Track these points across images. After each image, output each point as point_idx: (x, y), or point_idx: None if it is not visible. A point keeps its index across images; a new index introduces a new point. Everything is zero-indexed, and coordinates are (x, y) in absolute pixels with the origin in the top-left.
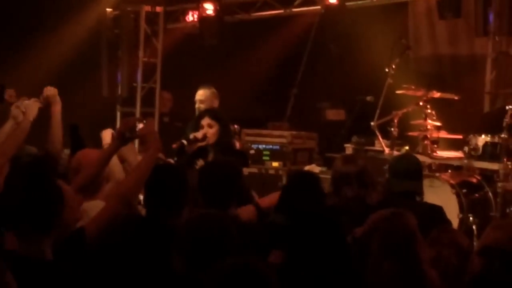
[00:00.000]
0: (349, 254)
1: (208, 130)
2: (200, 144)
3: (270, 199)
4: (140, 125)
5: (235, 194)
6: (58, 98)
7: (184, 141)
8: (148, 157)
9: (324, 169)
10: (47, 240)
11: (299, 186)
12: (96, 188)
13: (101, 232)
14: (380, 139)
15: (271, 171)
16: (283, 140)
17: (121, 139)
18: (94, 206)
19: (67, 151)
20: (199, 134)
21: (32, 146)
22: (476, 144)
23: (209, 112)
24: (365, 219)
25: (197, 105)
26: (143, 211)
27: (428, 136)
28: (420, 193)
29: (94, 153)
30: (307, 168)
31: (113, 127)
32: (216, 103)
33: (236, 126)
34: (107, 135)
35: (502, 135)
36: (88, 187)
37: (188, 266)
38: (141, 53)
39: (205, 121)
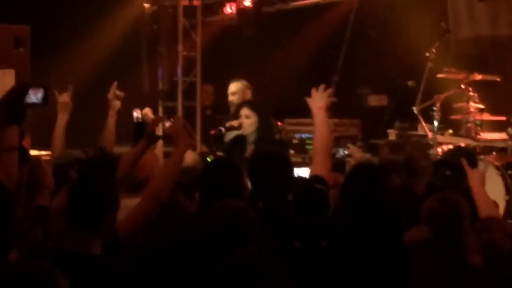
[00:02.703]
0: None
1: (245, 120)
2: (238, 133)
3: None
4: (167, 124)
5: (288, 183)
6: (116, 105)
7: (222, 129)
8: (177, 155)
9: (368, 155)
10: (96, 237)
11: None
12: (138, 187)
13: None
14: (423, 123)
15: None
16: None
17: (150, 139)
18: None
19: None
20: (235, 123)
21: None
22: None
23: (249, 103)
24: (412, 209)
25: (229, 98)
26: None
27: (471, 118)
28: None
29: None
30: None
31: None
32: (248, 95)
33: (279, 123)
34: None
35: None
36: (128, 185)
37: (207, 254)
38: (180, 47)
39: (244, 111)
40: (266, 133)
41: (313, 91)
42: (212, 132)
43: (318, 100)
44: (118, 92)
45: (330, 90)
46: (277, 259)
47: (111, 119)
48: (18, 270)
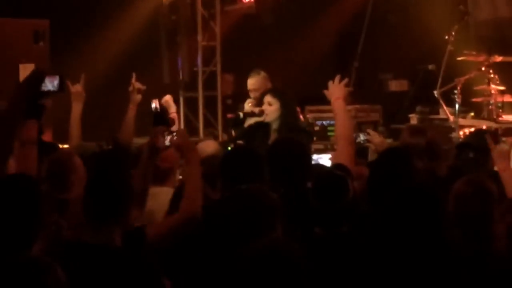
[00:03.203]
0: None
1: (267, 107)
2: (258, 119)
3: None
4: (168, 138)
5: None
6: (136, 98)
7: (240, 113)
8: (192, 172)
9: (389, 140)
10: (115, 230)
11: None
12: (163, 177)
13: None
14: (444, 107)
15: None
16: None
17: (153, 151)
18: (163, 192)
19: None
20: (256, 109)
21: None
22: None
23: (272, 90)
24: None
25: (251, 95)
26: None
27: (493, 101)
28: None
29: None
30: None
31: (177, 113)
32: (269, 85)
33: (298, 108)
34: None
35: None
36: (152, 175)
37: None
38: (199, 37)
39: (267, 98)
40: (289, 121)
41: (330, 83)
42: (229, 115)
43: (335, 91)
44: (138, 85)
45: (346, 80)
46: (298, 245)
47: (131, 112)
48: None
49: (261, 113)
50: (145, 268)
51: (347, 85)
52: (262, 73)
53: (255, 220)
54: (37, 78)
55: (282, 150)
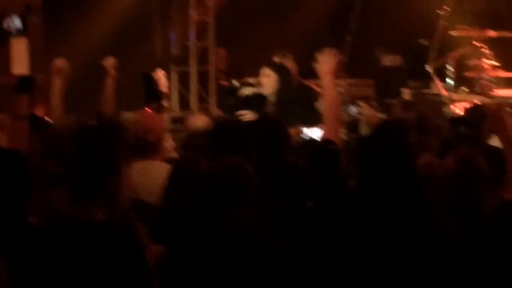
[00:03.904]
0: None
1: (264, 78)
2: (255, 91)
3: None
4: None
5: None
6: (113, 70)
7: (236, 83)
8: None
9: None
10: (96, 204)
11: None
12: (149, 150)
13: None
14: (437, 82)
15: None
16: (340, 89)
17: None
18: (154, 166)
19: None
20: (252, 80)
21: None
22: None
23: (269, 64)
24: None
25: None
26: None
27: (485, 76)
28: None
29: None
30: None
31: (170, 87)
32: None
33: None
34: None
35: None
36: (140, 149)
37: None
38: (192, 12)
39: (264, 70)
40: (286, 95)
41: (319, 55)
42: (224, 83)
43: (325, 64)
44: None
45: (335, 52)
46: (268, 222)
47: (110, 85)
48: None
49: (258, 84)
50: (124, 245)
51: (337, 57)
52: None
53: (229, 191)
54: None
55: (259, 127)
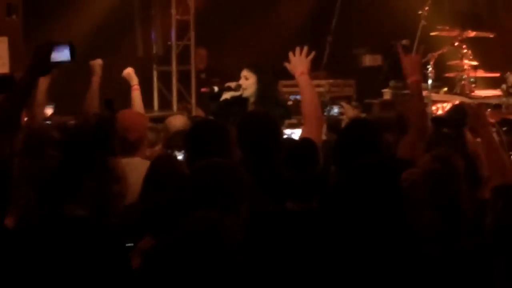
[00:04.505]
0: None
1: (244, 81)
2: (235, 94)
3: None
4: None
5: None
6: (99, 70)
7: (215, 87)
8: None
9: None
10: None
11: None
12: (130, 148)
13: None
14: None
15: None
16: (321, 89)
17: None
18: (134, 164)
19: None
20: (232, 84)
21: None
22: None
23: (248, 65)
24: None
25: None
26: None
27: (466, 76)
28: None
29: None
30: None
31: (151, 87)
32: None
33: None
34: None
35: None
36: (121, 147)
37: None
38: (173, 11)
39: (243, 72)
40: (266, 95)
41: (291, 56)
42: (203, 90)
43: (299, 65)
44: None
45: (306, 51)
46: (236, 226)
47: (95, 84)
48: None
49: (238, 87)
50: (104, 240)
51: (310, 55)
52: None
53: (223, 194)
54: (45, 49)
55: (250, 124)
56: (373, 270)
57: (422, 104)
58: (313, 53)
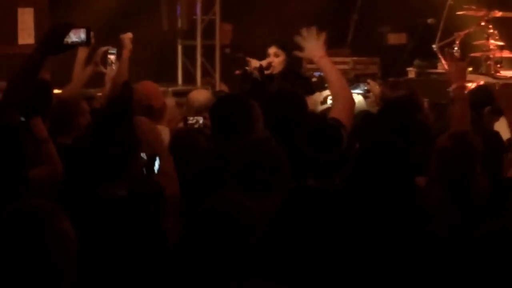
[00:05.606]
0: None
1: (274, 59)
2: (266, 72)
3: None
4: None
5: (302, 122)
6: (129, 43)
7: (248, 69)
8: None
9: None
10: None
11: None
12: (155, 115)
13: None
14: (443, 61)
15: None
16: (345, 66)
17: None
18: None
19: None
20: (264, 62)
21: None
22: None
23: (277, 41)
24: None
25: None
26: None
27: (491, 56)
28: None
29: None
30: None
31: (175, 61)
32: None
33: None
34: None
35: None
36: (146, 114)
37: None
38: None
39: (272, 49)
40: (293, 71)
41: (303, 42)
42: (237, 72)
43: (315, 49)
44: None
45: (314, 30)
46: (264, 211)
47: (125, 56)
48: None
49: (269, 66)
50: (141, 220)
51: (322, 35)
52: None
53: (261, 178)
54: (62, 30)
55: (279, 100)
56: (384, 249)
57: (466, 110)
58: (324, 34)
